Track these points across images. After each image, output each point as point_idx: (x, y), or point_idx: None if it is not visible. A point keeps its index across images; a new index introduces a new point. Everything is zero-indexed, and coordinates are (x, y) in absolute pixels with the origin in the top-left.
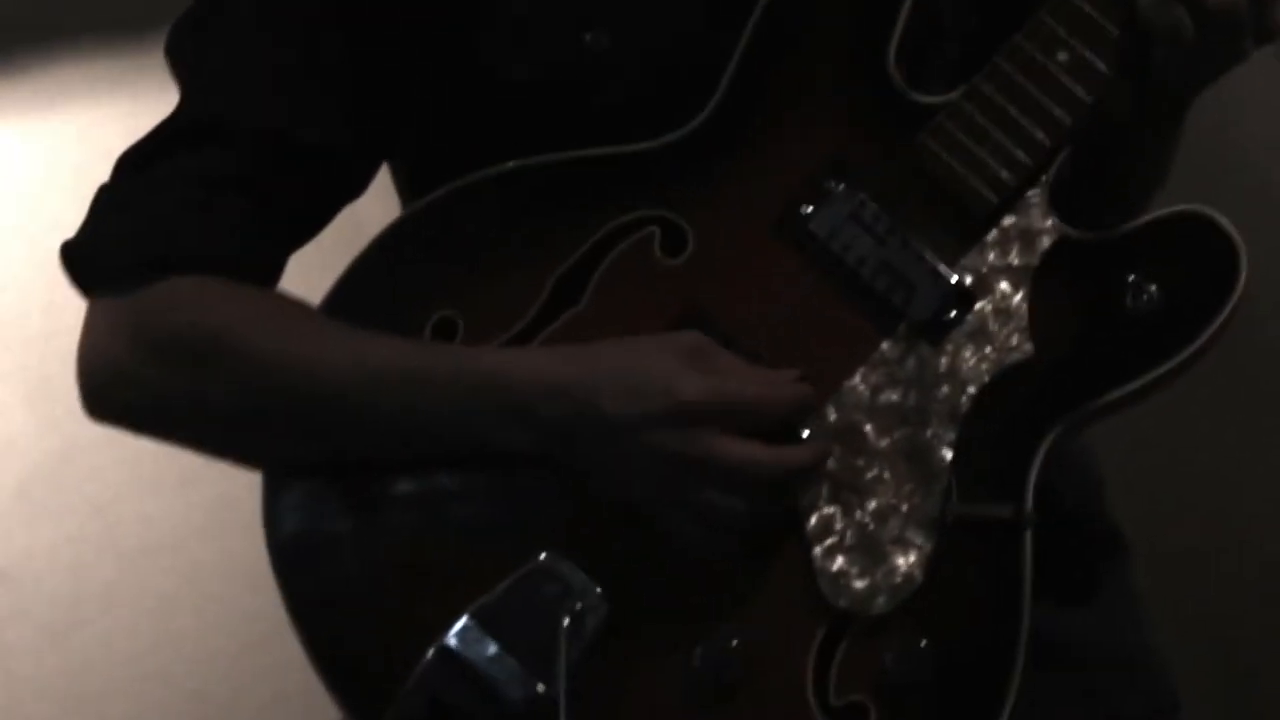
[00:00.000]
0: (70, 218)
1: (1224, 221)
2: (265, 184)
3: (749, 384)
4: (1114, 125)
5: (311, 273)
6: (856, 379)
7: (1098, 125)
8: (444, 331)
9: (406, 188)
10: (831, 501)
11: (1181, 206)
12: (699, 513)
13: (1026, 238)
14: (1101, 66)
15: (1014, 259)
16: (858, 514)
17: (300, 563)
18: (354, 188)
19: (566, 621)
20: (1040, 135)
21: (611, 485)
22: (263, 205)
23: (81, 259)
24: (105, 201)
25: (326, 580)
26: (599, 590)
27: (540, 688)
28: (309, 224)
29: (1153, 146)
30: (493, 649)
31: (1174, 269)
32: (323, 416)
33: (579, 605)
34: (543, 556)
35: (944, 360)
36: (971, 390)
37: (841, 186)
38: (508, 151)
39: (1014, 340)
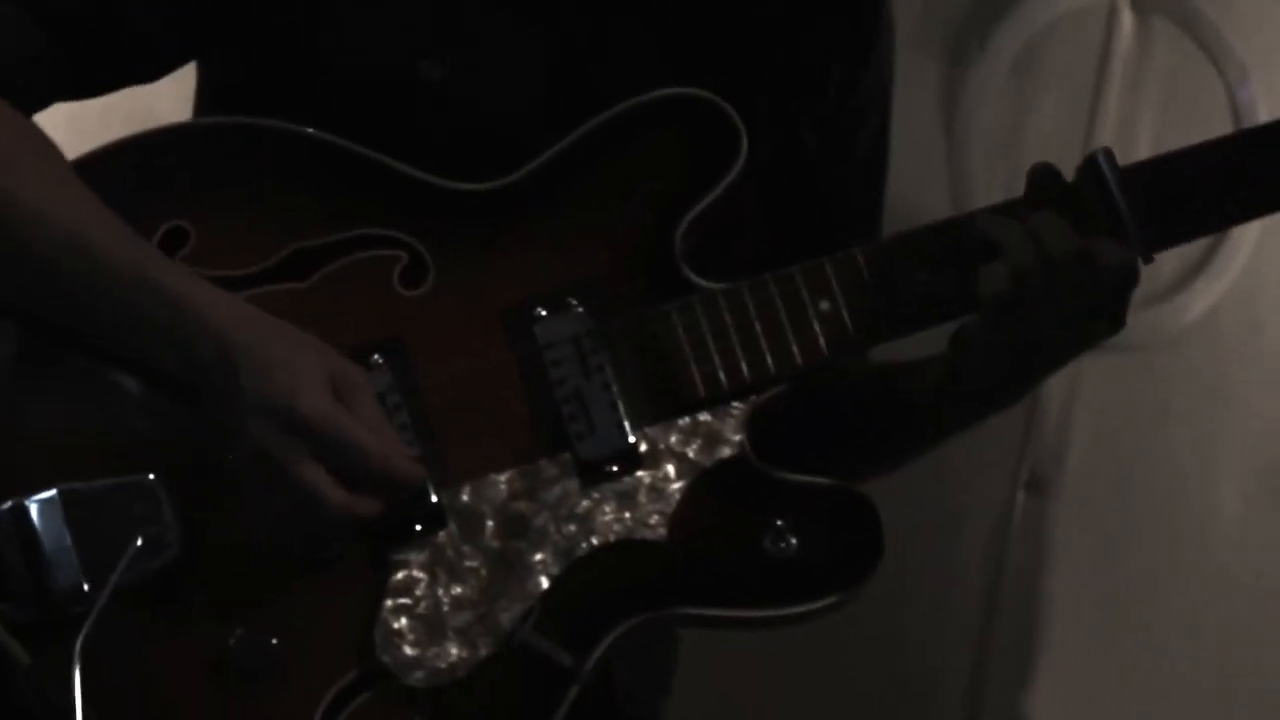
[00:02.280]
0: None
1: (878, 515)
2: (75, 29)
3: (366, 435)
4: (839, 387)
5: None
6: (503, 477)
7: (825, 378)
8: (172, 240)
9: (205, 95)
10: (424, 569)
11: (850, 487)
12: (268, 510)
13: (711, 440)
14: (851, 331)
15: (691, 451)
16: (440, 591)
17: None
18: (150, 72)
19: (139, 543)
20: (770, 361)
21: (218, 445)
22: (61, 45)
23: None
24: None
25: None
26: (180, 533)
27: (85, 586)
28: (93, 83)
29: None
30: (63, 531)
31: (817, 534)
32: (16, 249)
33: (156, 535)
34: (150, 477)
35: (585, 504)
36: (594, 541)
37: (580, 309)
38: (315, 119)
39: (653, 520)
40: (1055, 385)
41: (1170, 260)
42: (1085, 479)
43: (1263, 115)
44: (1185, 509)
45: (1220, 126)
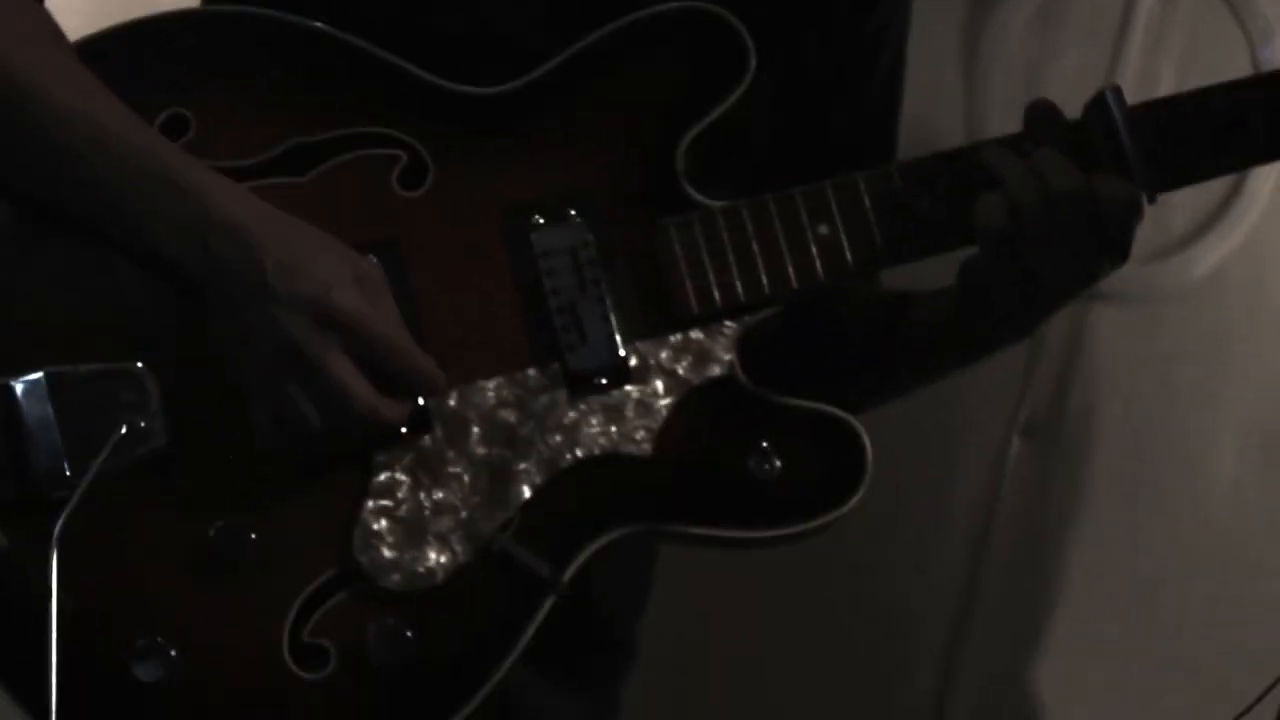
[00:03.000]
0: None
1: (866, 443)
2: None
3: (396, 332)
4: (837, 313)
5: None
6: (491, 384)
7: (821, 304)
8: (173, 126)
9: None
10: (407, 472)
11: (839, 412)
12: (281, 404)
13: (702, 357)
14: (849, 256)
15: (681, 368)
16: (422, 495)
17: None
18: None
19: (123, 430)
20: (765, 281)
21: (231, 342)
22: None
23: None
24: None
25: None
26: (166, 424)
27: (66, 470)
28: None
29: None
30: (47, 411)
31: (802, 458)
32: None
33: (142, 424)
34: (140, 365)
35: (572, 415)
36: (579, 453)
37: (579, 220)
38: (324, 14)
39: (639, 435)
40: (1058, 332)
41: (1181, 214)
42: (1082, 428)
43: None
44: (1181, 466)
45: None
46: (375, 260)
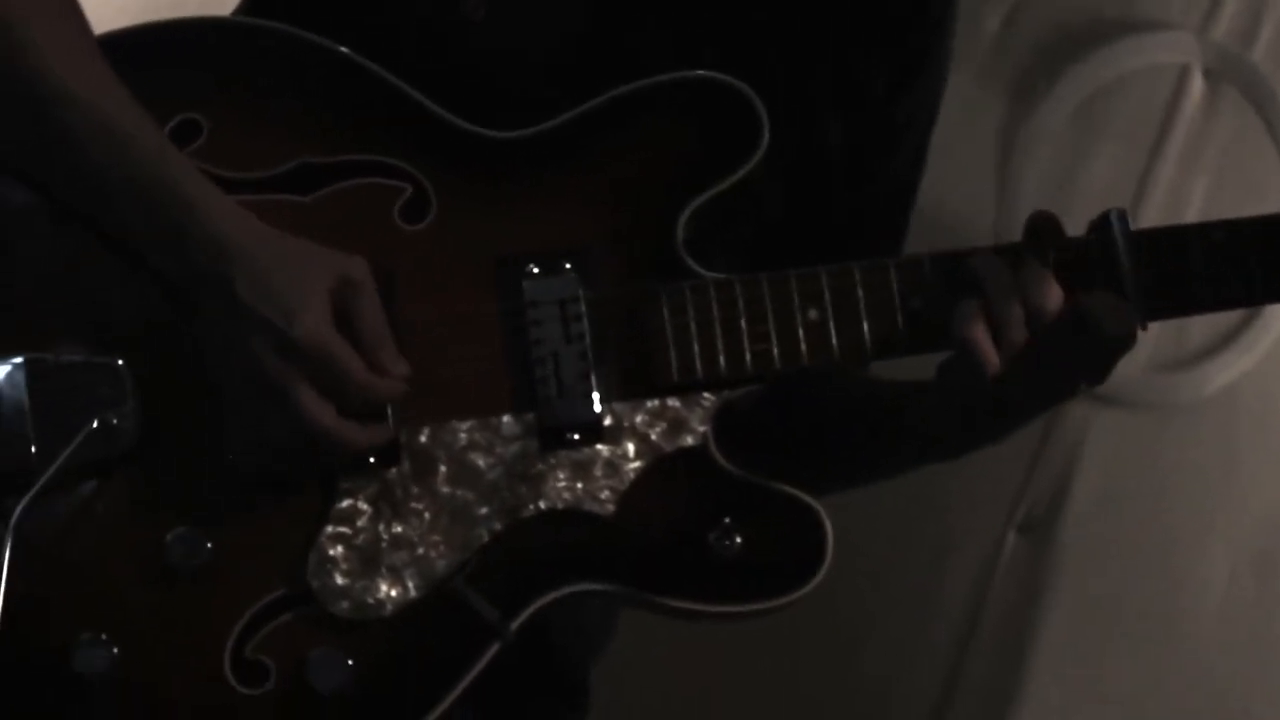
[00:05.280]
0: None
1: (828, 529)
2: None
3: (356, 364)
4: (815, 396)
5: None
6: (464, 425)
7: (801, 385)
8: (185, 131)
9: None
10: (370, 502)
11: (804, 496)
12: (247, 422)
13: (676, 426)
14: (835, 344)
15: (654, 434)
16: (381, 527)
17: None
18: None
19: (95, 424)
20: (748, 359)
21: (210, 351)
22: None
23: None
24: None
25: None
26: (140, 422)
27: (34, 453)
28: None
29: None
30: (23, 397)
31: (764, 538)
32: (39, 121)
33: (115, 420)
34: (120, 362)
35: (540, 466)
36: (542, 505)
37: (573, 273)
38: (351, 39)
39: (604, 494)
40: (1064, 431)
41: (1199, 329)
42: (1079, 530)
43: None
44: (1172, 579)
45: (1272, 205)
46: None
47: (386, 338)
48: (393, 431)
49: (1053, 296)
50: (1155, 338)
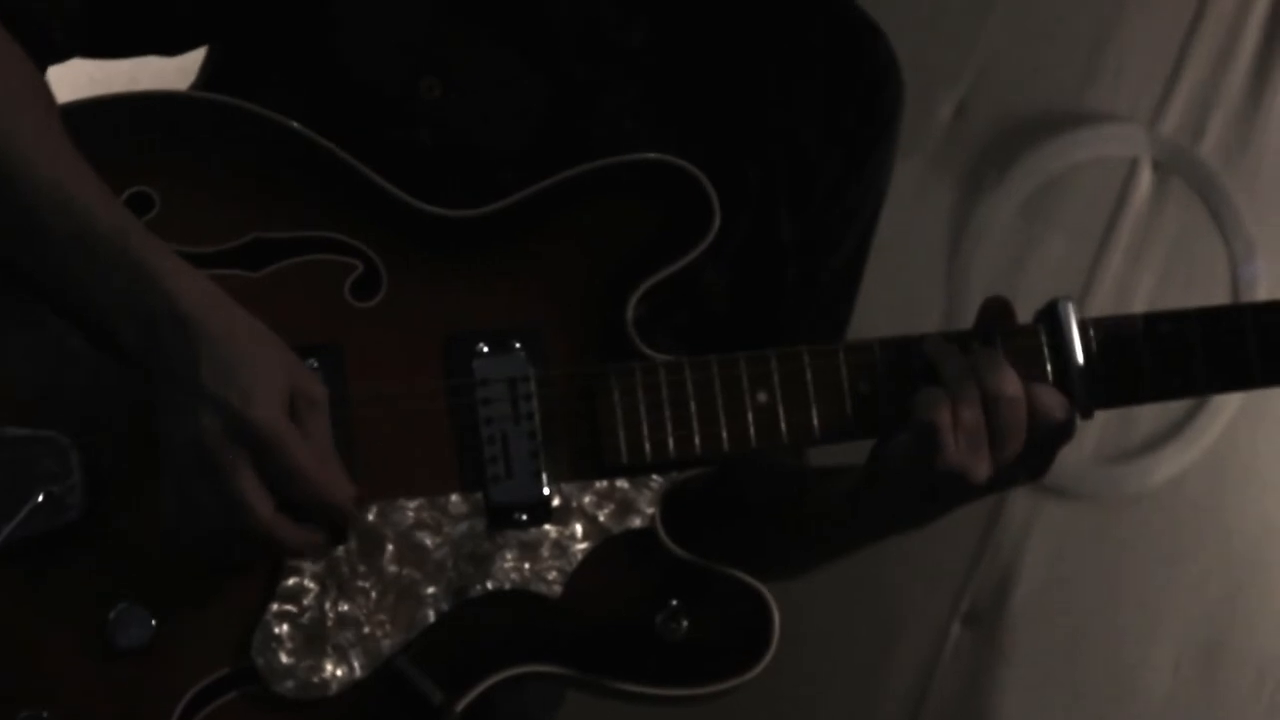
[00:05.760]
0: None
1: (775, 614)
2: None
3: (307, 460)
4: (763, 482)
5: None
6: (412, 504)
7: (750, 471)
8: (136, 204)
9: (209, 70)
10: (316, 580)
11: (751, 580)
12: (187, 502)
13: (625, 507)
14: (784, 428)
15: (602, 515)
16: (327, 605)
17: None
18: (170, 45)
19: (40, 498)
20: (697, 441)
21: (161, 426)
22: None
23: None
24: None
25: None
26: (83, 499)
27: None
28: (111, 43)
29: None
30: None
31: (711, 621)
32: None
33: (59, 494)
34: (67, 437)
35: (487, 546)
36: (489, 585)
37: (522, 353)
38: (307, 115)
39: (551, 575)
40: (1010, 521)
41: (1145, 420)
42: (1024, 621)
43: (1262, 294)
44: (1117, 670)
45: (1218, 298)
46: (315, 363)
47: (333, 452)
48: (330, 546)
49: (1009, 382)
50: (1101, 429)
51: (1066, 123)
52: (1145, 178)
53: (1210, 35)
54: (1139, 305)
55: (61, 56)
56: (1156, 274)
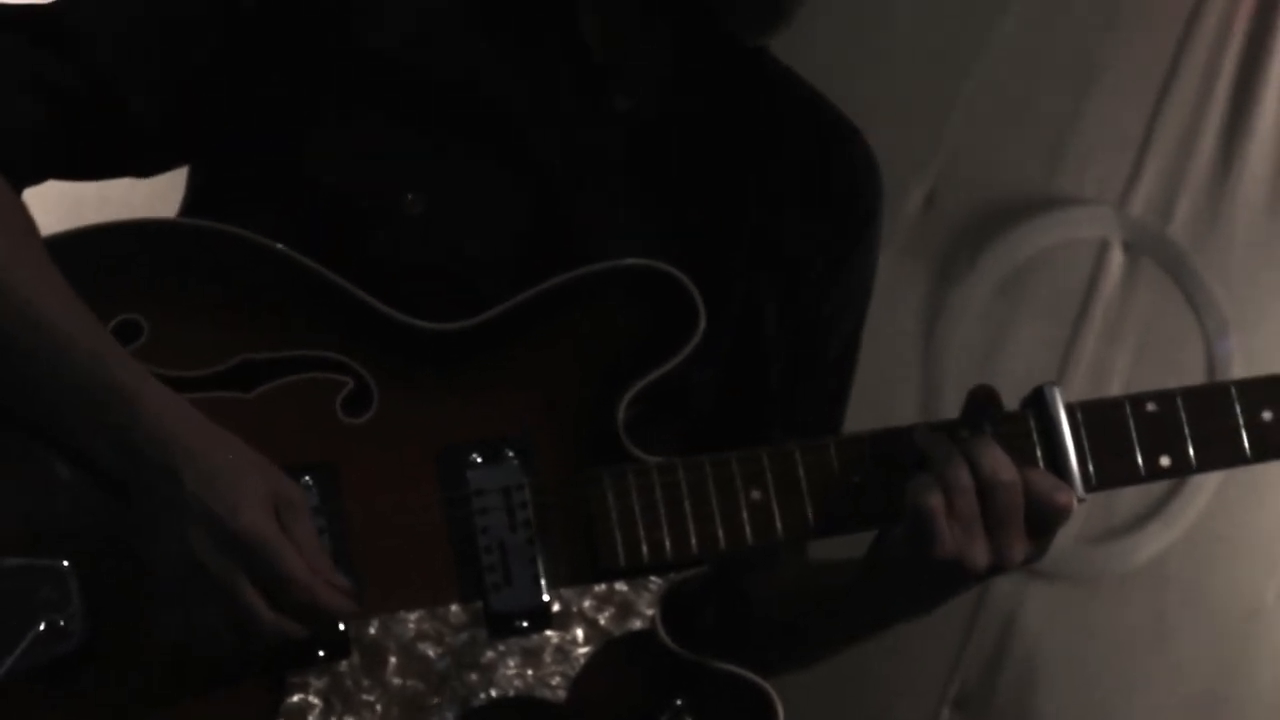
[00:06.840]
0: None
1: (779, 710)
2: (72, 110)
3: (297, 563)
4: (760, 577)
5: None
6: (413, 616)
7: (745, 569)
8: (125, 331)
9: (191, 193)
10: (320, 696)
11: (753, 676)
12: (187, 617)
13: (624, 609)
14: (779, 524)
15: (603, 619)
16: None
17: None
18: (143, 167)
19: (41, 626)
20: (694, 541)
21: (150, 546)
22: (57, 122)
23: None
24: None
25: None
26: (86, 626)
27: None
28: (84, 166)
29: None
30: None
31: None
32: None
33: (61, 623)
34: (65, 563)
35: (490, 655)
36: (493, 693)
37: (515, 462)
38: (291, 234)
39: (555, 680)
40: (997, 604)
41: (1126, 501)
42: (1013, 703)
43: (1237, 371)
44: None
45: (1194, 376)
46: (310, 481)
47: (321, 550)
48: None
49: (1005, 468)
50: (1085, 510)
51: (1036, 207)
52: (1116, 258)
53: (1175, 115)
54: (1116, 385)
55: (37, 178)
56: (1131, 353)
